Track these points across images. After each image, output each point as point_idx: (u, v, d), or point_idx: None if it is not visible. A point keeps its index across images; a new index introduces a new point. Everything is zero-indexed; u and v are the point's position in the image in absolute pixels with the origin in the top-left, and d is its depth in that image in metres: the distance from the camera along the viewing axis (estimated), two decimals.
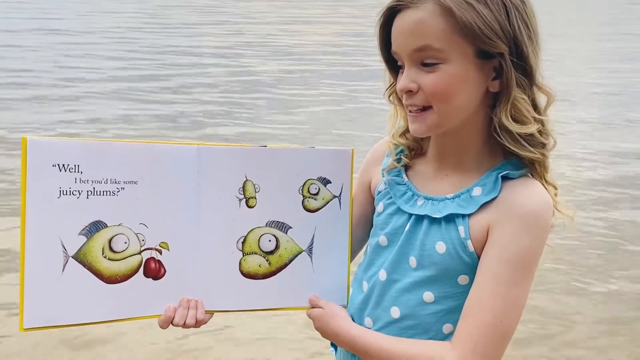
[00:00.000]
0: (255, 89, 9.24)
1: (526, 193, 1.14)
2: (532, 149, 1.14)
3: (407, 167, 1.29)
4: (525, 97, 1.12)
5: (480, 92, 1.14)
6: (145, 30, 15.51)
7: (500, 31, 1.09)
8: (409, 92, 1.15)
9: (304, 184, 1.29)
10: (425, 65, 1.12)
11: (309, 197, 1.30)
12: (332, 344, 1.41)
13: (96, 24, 15.93)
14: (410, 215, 1.23)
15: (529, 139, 1.14)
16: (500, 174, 1.16)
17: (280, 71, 10.81)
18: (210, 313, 1.27)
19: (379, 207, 1.30)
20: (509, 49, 1.10)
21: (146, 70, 10.30)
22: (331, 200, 1.31)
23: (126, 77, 9.68)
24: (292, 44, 14.19)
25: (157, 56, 11.68)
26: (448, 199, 1.20)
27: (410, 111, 1.18)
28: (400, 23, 1.14)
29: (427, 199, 1.22)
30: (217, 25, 17.42)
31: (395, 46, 1.16)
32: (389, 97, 1.26)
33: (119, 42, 13.16)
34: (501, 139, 1.14)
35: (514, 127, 1.12)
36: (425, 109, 1.15)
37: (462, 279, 1.18)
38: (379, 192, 1.31)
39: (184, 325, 1.25)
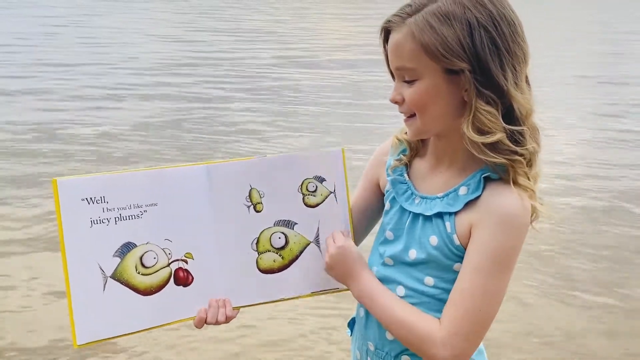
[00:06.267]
0: None
1: (503, 196, 1.24)
2: (493, 155, 1.22)
3: (408, 166, 1.42)
4: (490, 109, 1.20)
5: (455, 102, 1.25)
6: None
7: (460, 50, 1.19)
8: (397, 103, 1.30)
9: (302, 183, 1.43)
10: (406, 80, 1.27)
11: (308, 195, 1.43)
12: (349, 325, 1.54)
13: None
14: (410, 212, 1.37)
15: (493, 146, 1.22)
16: (483, 175, 1.27)
17: None
18: (237, 309, 1.41)
19: (387, 206, 1.44)
20: (471, 66, 1.19)
21: None
22: (328, 195, 1.45)
23: None
24: None
25: None
26: (438, 197, 1.32)
27: (404, 117, 1.33)
28: (389, 44, 1.29)
29: (422, 198, 1.35)
30: None
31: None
32: None
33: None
34: (467, 145, 1.24)
35: (475, 137, 1.22)
36: (412, 116, 1.30)
37: (458, 267, 1.30)
38: (387, 191, 1.45)
39: (216, 323, 1.38)
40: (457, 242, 1.29)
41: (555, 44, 17.43)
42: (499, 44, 1.20)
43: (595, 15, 31.62)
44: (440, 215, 1.31)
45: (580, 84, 12.11)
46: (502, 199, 1.24)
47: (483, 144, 1.22)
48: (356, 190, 1.53)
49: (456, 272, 1.30)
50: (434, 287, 1.33)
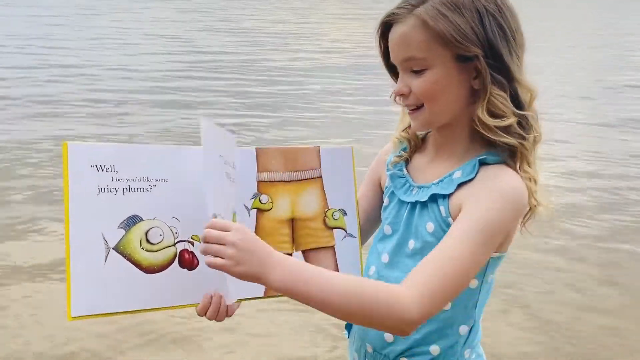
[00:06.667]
0: None
1: (499, 175, 1.25)
2: (506, 136, 1.24)
3: (408, 162, 1.42)
4: (502, 93, 1.23)
5: (464, 90, 1.27)
6: None
7: (474, 36, 1.22)
8: (402, 95, 1.30)
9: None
10: (414, 71, 1.27)
11: None
12: (347, 327, 1.50)
13: None
14: (408, 203, 1.36)
15: (506, 129, 1.24)
16: (479, 158, 1.27)
17: None
18: (239, 302, 1.35)
19: (385, 201, 1.44)
20: (484, 52, 1.22)
21: None
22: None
23: None
24: None
25: None
26: (434, 184, 1.32)
27: (408, 110, 1.33)
28: (392, 36, 1.29)
29: (419, 187, 1.35)
30: None
31: (391, 57, 1.31)
32: (395, 99, 1.37)
33: None
34: (479, 128, 1.25)
35: (489, 121, 1.23)
36: (418, 107, 1.29)
37: None
38: (386, 187, 1.45)
39: (218, 314, 1.30)
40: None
41: (557, 49, 17.36)
42: (506, 30, 1.24)
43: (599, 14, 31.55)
44: (435, 200, 1.30)
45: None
46: (498, 176, 1.25)
47: (496, 126, 1.24)
48: (359, 191, 1.52)
49: None
50: None
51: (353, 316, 1.20)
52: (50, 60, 12.21)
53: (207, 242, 1.15)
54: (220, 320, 1.31)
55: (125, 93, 9.74)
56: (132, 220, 1.29)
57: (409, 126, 1.39)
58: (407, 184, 1.38)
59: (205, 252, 1.15)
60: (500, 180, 1.24)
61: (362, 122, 8.51)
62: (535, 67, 11.83)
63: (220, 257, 1.13)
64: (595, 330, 3.58)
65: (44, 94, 9.40)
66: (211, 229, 1.15)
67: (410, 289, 1.17)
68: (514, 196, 1.23)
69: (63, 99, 9.16)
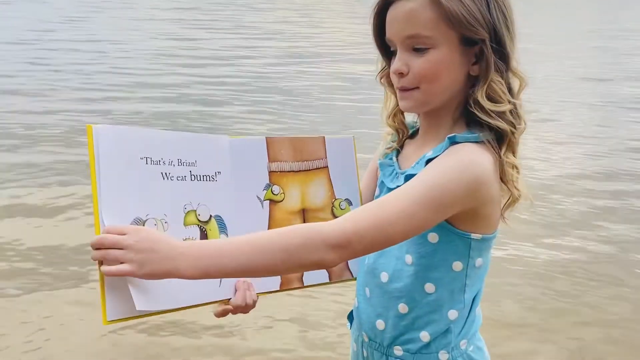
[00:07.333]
0: None
1: (464, 148, 1.26)
2: (500, 120, 1.26)
3: (400, 151, 1.44)
4: (501, 80, 1.26)
5: (462, 75, 1.29)
6: None
7: (482, 20, 1.24)
8: (400, 74, 1.29)
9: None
10: (415, 50, 1.27)
11: None
12: (349, 318, 1.54)
13: None
14: (393, 190, 1.34)
15: (500, 115, 1.26)
16: (448, 136, 1.28)
17: None
18: (257, 296, 1.35)
19: (377, 191, 1.47)
20: (489, 36, 1.25)
21: None
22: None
23: None
24: None
25: None
26: (411, 167, 1.35)
27: (400, 90, 1.32)
28: (394, 12, 1.28)
29: (402, 173, 1.36)
30: None
31: (389, 33, 1.31)
32: (381, 79, 1.41)
33: None
34: (473, 110, 1.27)
35: (487, 105, 1.26)
36: (412, 88, 1.30)
37: (432, 237, 1.30)
38: (378, 177, 1.47)
39: (245, 306, 1.33)
40: None
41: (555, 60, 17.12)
42: (507, 18, 1.28)
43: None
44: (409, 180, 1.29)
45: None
46: (462, 149, 1.26)
47: (491, 110, 1.26)
48: (361, 182, 1.55)
49: (430, 244, 1.31)
50: (412, 264, 1.34)
51: (279, 263, 1.15)
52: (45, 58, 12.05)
53: (104, 249, 1.12)
54: (250, 307, 1.34)
55: (119, 91, 9.64)
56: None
57: (395, 114, 1.42)
58: (395, 172, 1.40)
59: (104, 259, 1.12)
60: (462, 153, 1.25)
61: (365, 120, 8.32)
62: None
63: (122, 263, 1.11)
64: None
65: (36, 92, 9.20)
66: (106, 234, 1.12)
67: (337, 220, 1.19)
68: (468, 167, 1.22)
69: (55, 97, 9.02)
